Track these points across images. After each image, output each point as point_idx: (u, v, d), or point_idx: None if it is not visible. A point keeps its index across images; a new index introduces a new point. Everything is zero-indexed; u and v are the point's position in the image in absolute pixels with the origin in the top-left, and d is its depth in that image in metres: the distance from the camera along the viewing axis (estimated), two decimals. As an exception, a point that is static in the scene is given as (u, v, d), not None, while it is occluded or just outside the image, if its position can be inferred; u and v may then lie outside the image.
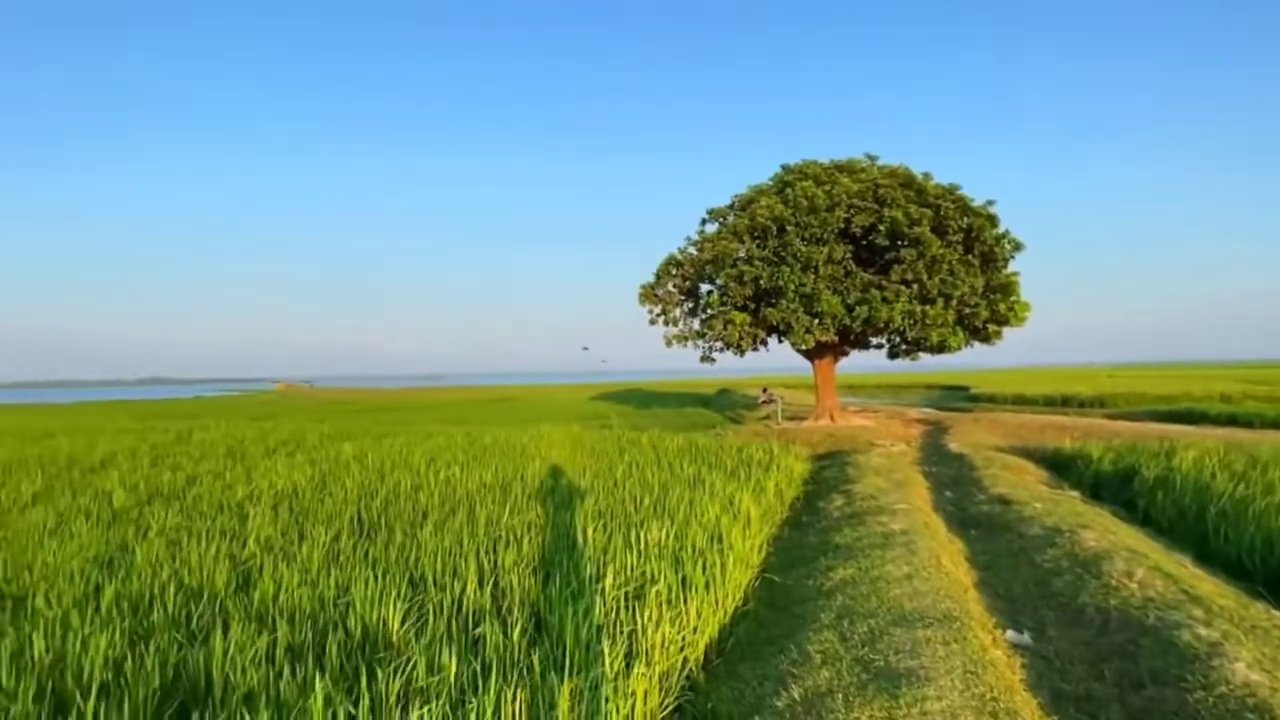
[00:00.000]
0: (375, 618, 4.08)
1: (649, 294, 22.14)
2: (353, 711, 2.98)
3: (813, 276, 18.62)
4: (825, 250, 18.68)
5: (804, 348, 20.13)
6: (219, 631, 3.72)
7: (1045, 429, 17.73)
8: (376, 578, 4.68)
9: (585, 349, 25.73)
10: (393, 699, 3.09)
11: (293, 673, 3.34)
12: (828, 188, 19.11)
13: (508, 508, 7.48)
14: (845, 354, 22.50)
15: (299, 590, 4.59)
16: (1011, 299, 19.63)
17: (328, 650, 3.72)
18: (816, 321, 18.81)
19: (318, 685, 2.98)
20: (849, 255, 19.34)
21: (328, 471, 10.46)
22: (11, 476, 10.47)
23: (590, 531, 6.38)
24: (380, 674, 3.23)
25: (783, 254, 19.06)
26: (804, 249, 18.74)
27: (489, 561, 5.38)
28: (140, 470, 10.94)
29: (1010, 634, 4.82)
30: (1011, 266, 20.09)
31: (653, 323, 22.30)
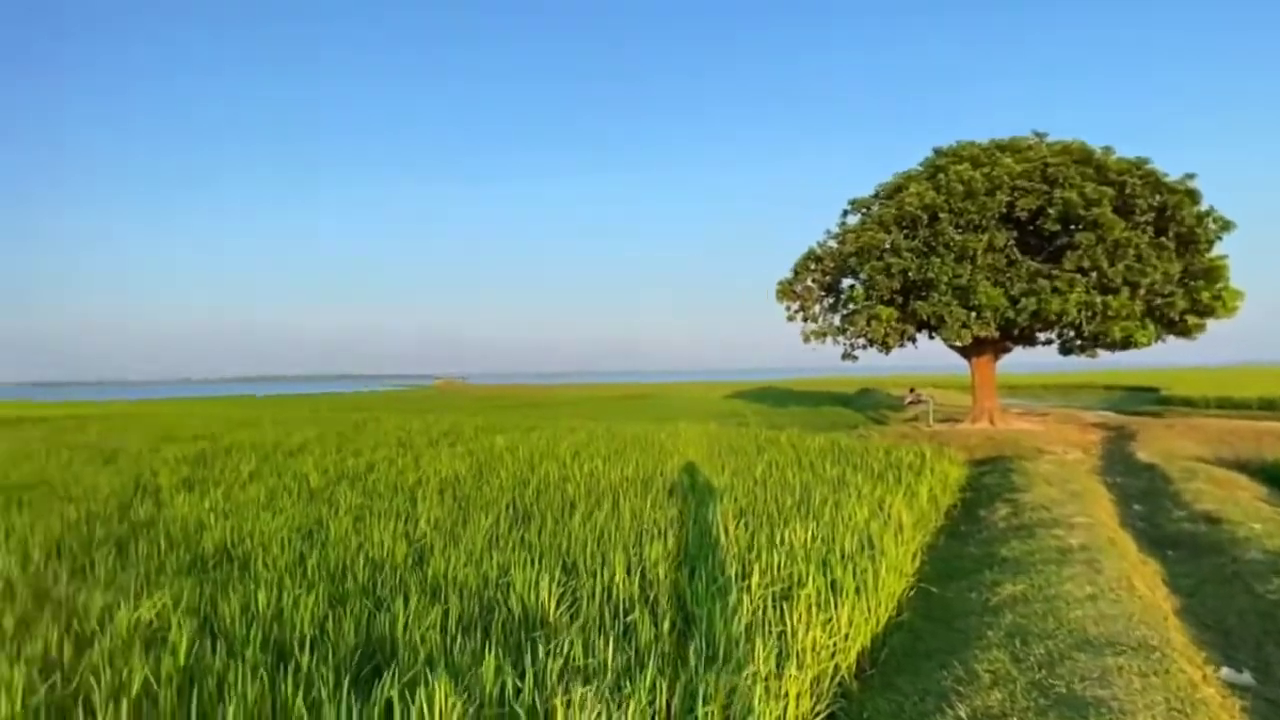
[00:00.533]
0: (533, 599, 4.32)
1: (786, 290, 21.57)
2: (519, 684, 3.18)
3: (969, 267, 17.21)
4: (984, 238, 17.20)
5: (959, 344, 18.69)
6: (401, 601, 4.13)
7: (1262, 437, 15.17)
8: (533, 562, 4.96)
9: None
10: (554, 676, 3.26)
11: (464, 642, 3.63)
12: (987, 170, 17.58)
13: (649, 502, 7.63)
14: (1007, 350, 20.62)
15: (465, 569, 4.97)
16: (1217, 286, 16.95)
17: (493, 625, 4.00)
18: (974, 315, 17.37)
19: (489, 656, 3.22)
20: (1012, 242, 17.67)
21: (484, 462, 11.23)
22: (232, 457, 12.27)
23: (732, 529, 6.35)
24: (541, 651, 3.42)
25: (934, 244, 17.79)
26: (958, 238, 17.37)
27: (635, 553, 5.51)
28: (329, 455, 12.39)
29: (1225, 671, 4.19)
30: (1218, 249, 17.36)
31: (790, 319, 21.71)
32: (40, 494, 8.77)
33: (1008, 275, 17.34)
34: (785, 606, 4.33)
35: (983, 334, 17.73)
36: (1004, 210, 17.45)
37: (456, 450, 12.93)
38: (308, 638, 3.62)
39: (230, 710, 2.81)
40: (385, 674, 3.14)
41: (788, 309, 21.70)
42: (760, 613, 4.33)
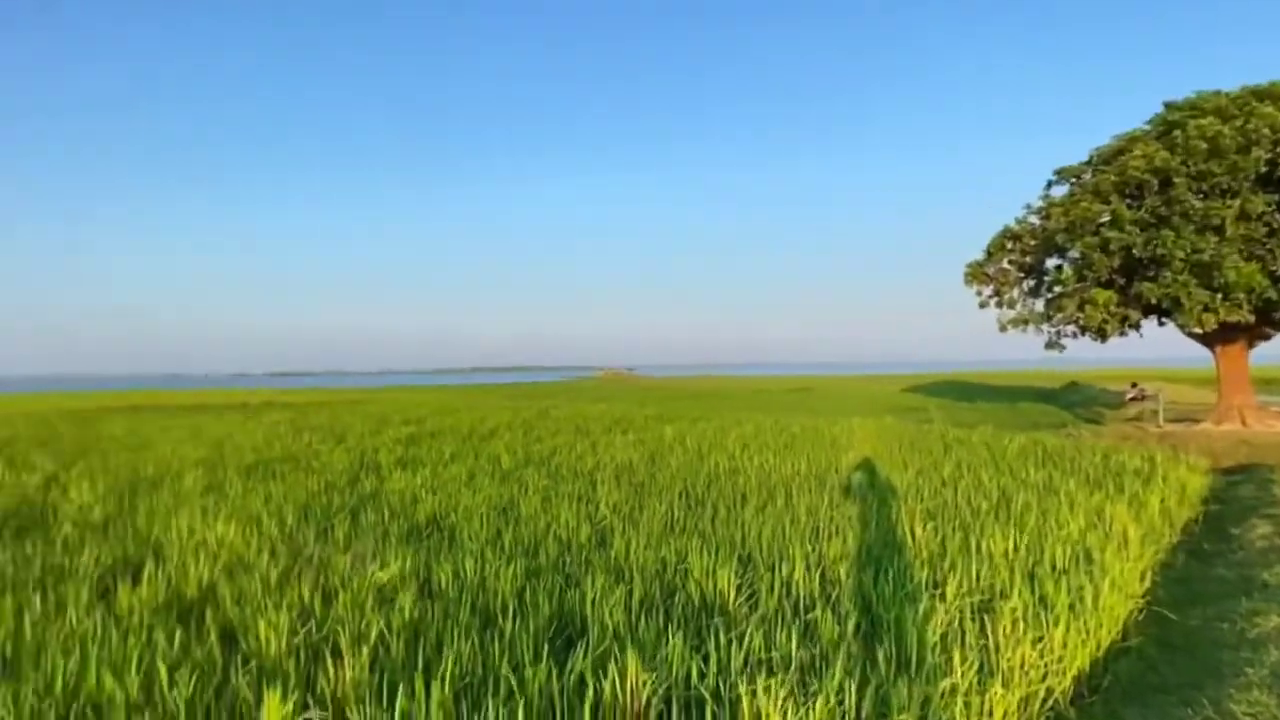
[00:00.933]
0: (712, 587, 4.36)
1: (978, 273, 19.65)
2: (703, 668, 3.22)
3: (1213, 239, 14.52)
4: (1235, 204, 14.40)
5: (1199, 330, 15.88)
6: (588, 578, 4.37)
7: None
8: (709, 551, 5.00)
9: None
10: (737, 664, 3.26)
11: (648, 623, 3.74)
12: (1239, 123, 14.69)
13: (825, 498, 7.36)
14: (1265, 337, 17.17)
15: (645, 552, 5.13)
16: None
17: (673, 609, 4.09)
18: (1220, 297, 14.63)
19: (674, 638, 3.30)
20: (1274, 208, 14.64)
21: (654, 450, 11.54)
22: (435, 440, 13.75)
23: (920, 532, 5.94)
24: (723, 639, 3.43)
25: (1166, 213, 15.22)
26: (1199, 205, 14.71)
27: (813, 549, 5.35)
28: (517, 440, 13.43)
29: None
30: None
31: (983, 305, 19.78)
32: (289, 467, 10.41)
33: (1267, 247, 14.41)
34: (986, 619, 3.96)
35: (1232, 319, 14.90)
36: (1262, 170, 14.50)
37: (628, 438, 13.42)
38: (509, 606, 3.95)
39: (449, 665, 3.14)
40: (578, 646, 3.35)
41: (979, 294, 19.81)
42: (956, 623, 4.00)
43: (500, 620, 3.76)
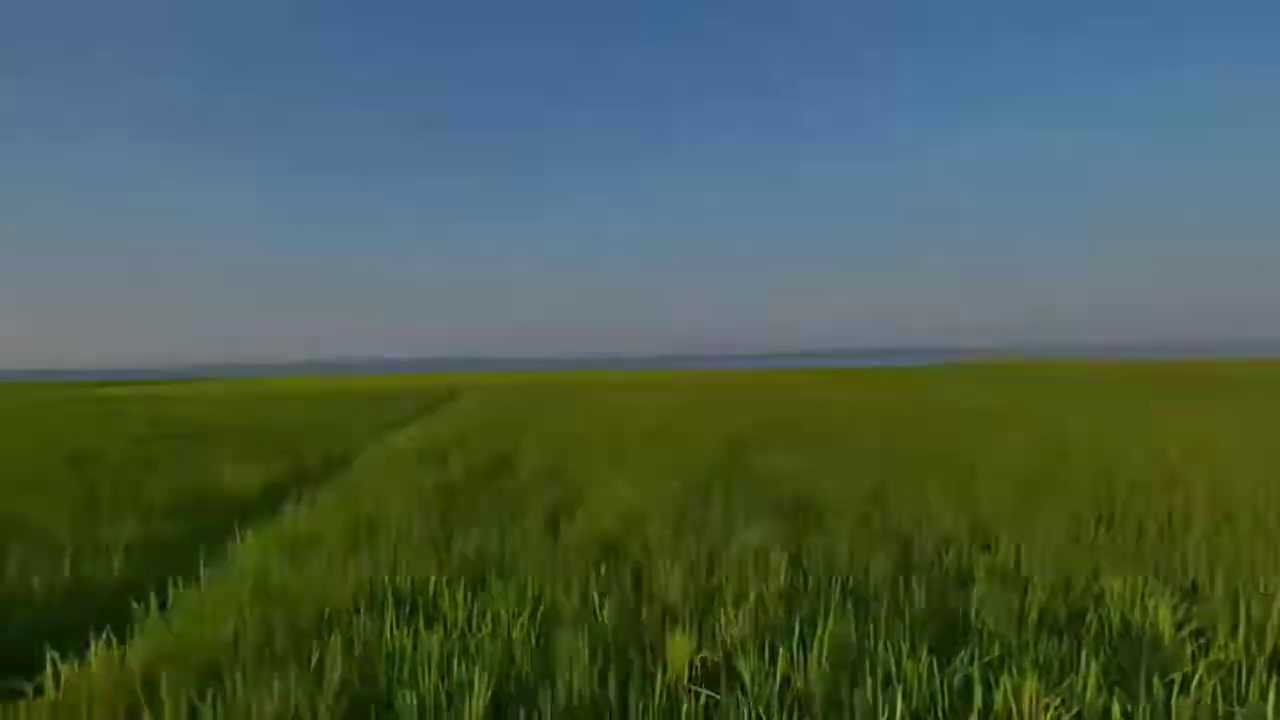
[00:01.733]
0: (1139, 616, 3.60)
1: None
2: (1128, 708, 2.71)
3: None
4: None
5: None
6: (971, 581, 4.02)
7: None
8: (1133, 573, 4.13)
9: None
10: (1180, 714, 2.65)
11: (1048, 641, 3.29)
12: None
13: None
14: None
15: (1040, 562, 4.49)
16: None
17: (1082, 632, 3.51)
18: None
19: (1091, 666, 2.84)
20: None
21: (1051, 446, 9.91)
22: (802, 422, 14.09)
23: None
24: (1157, 680, 2.82)
25: None
26: None
27: (1304, 591, 4.00)
28: (877, 427, 12.95)
29: None
30: None
31: None
32: (674, 440, 11.81)
33: None
34: None
35: None
36: None
37: (1014, 430, 11.78)
38: (884, 597, 3.88)
39: (824, 636, 3.24)
40: (960, 647, 3.12)
41: None
42: None
43: (871, 604, 3.72)
